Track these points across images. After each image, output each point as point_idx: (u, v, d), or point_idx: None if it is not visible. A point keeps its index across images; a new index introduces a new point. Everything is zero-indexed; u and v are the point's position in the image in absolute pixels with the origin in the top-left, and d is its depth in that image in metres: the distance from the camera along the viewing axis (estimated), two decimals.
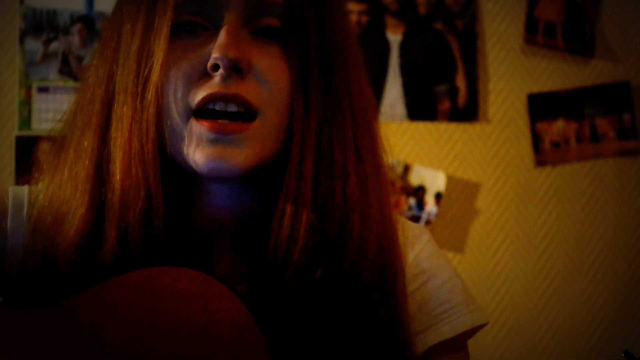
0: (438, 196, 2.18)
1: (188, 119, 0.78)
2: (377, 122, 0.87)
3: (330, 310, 0.78)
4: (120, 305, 0.73)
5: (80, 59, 2.13)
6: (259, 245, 0.79)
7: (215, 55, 0.76)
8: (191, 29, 0.79)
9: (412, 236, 0.90)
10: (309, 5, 0.80)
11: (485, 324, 0.90)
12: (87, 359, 0.72)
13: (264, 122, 0.78)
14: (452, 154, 2.23)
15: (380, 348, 0.79)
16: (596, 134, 2.27)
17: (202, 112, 0.77)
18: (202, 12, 0.79)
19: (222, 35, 0.76)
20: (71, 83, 2.11)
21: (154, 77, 0.77)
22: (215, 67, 0.76)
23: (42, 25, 2.13)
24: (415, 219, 2.15)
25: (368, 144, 0.83)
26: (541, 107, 2.26)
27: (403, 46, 2.24)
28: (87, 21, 2.14)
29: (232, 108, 0.77)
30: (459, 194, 2.22)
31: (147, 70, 0.77)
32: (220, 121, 0.77)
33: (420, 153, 2.21)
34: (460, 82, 2.24)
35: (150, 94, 0.77)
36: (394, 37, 2.24)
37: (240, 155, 0.77)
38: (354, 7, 2.21)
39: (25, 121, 2.10)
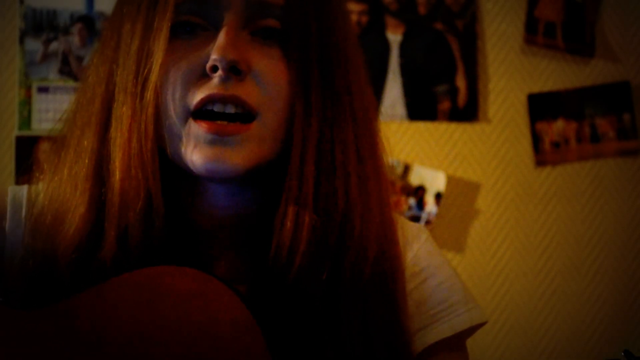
0: (438, 196, 2.18)
1: (186, 120, 0.78)
2: (377, 123, 0.87)
3: (331, 310, 0.78)
4: (121, 304, 0.73)
5: (80, 59, 2.13)
6: (259, 246, 0.79)
7: (214, 56, 0.76)
8: (191, 30, 0.79)
9: (411, 235, 0.90)
10: (309, 6, 0.80)
11: (484, 323, 0.90)
12: (87, 358, 0.72)
13: (262, 124, 0.78)
14: (452, 154, 2.23)
15: (380, 347, 0.79)
16: (596, 134, 2.27)
17: (200, 113, 0.77)
18: (202, 13, 0.79)
19: (221, 37, 0.76)
20: (71, 83, 2.11)
21: (153, 77, 0.77)
22: (214, 69, 0.76)
23: (42, 25, 2.13)
24: (415, 219, 2.15)
25: (368, 144, 0.83)
26: (541, 107, 2.26)
27: (403, 46, 2.24)
28: (87, 21, 2.14)
29: (231, 109, 0.77)
30: (459, 194, 2.22)
31: (146, 70, 0.77)
32: (218, 122, 0.77)
33: (420, 153, 2.21)
34: (460, 82, 2.24)
35: (149, 94, 0.77)
36: (394, 37, 2.24)
37: (238, 157, 0.77)
38: (354, 7, 2.21)
39: (25, 121, 2.10)
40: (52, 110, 2.10)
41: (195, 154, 0.77)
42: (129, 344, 0.72)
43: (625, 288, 2.25)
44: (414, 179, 2.19)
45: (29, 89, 2.11)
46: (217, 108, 0.77)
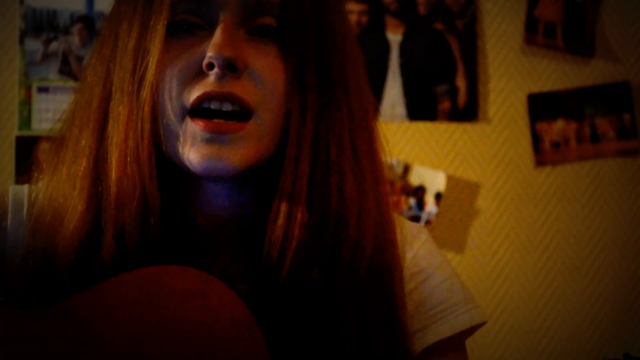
0: (438, 196, 2.18)
1: (183, 118, 0.78)
2: (376, 122, 0.87)
3: (328, 309, 0.78)
4: (120, 304, 0.73)
5: (80, 59, 2.13)
6: (257, 245, 0.79)
7: (210, 54, 0.76)
8: (187, 28, 0.79)
9: (410, 235, 0.90)
10: (306, 5, 0.80)
11: (484, 323, 0.89)
12: (87, 358, 0.72)
13: (259, 122, 0.78)
14: (452, 154, 2.23)
15: (379, 347, 0.79)
16: (596, 134, 2.27)
17: (197, 111, 0.77)
18: (198, 12, 0.79)
19: (218, 35, 0.76)
20: (71, 83, 2.11)
21: (150, 75, 0.77)
22: (210, 66, 0.76)
23: (42, 25, 2.13)
24: (415, 219, 2.15)
25: (366, 143, 0.83)
26: (541, 107, 2.26)
27: (403, 46, 2.24)
28: (87, 21, 2.14)
29: (227, 107, 0.77)
30: (459, 194, 2.22)
31: (142, 69, 0.77)
32: (215, 120, 0.77)
33: (420, 153, 2.21)
34: (460, 82, 2.24)
35: (146, 93, 0.77)
36: (394, 37, 2.24)
37: (236, 155, 0.77)
38: (354, 7, 2.21)
39: (25, 121, 2.10)
40: (52, 110, 2.10)
41: (193, 152, 0.77)
42: (128, 343, 0.72)
43: (625, 288, 2.25)
44: (414, 179, 2.18)
45: (29, 89, 2.11)
46: (213, 106, 0.77)
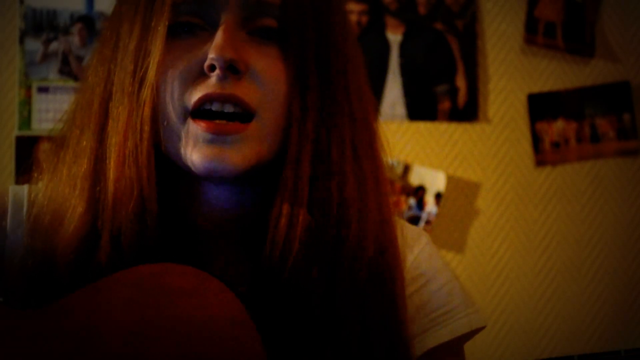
0: (438, 196, 2.18)
1: (185, 119, 0.78)
2: (377, 123, 0.87)
3: (329, 311, 0.78)
4: (118, 302, 0.73)
5: (80, 59, 2.13)
6: (257, 246, 0.79)
7: (211, 55, 0.76)
8: (189, 30, 0.79)
9: (411, 239, 0.90)
10: (307, 6, 0.80)
11: (483, 327, 0.90)
12: (86, 357, 0.72)
13: (261, 123, 0.78)
14: (452, 154, 2.23)
15: (379, 349, 0.79)
16: (596, 134, 2.27)
17: (198, 112, 0.77)
18: (199, 13, 0.79)
19: (219, 36, 0.76)
20: (71, 83, 2.11)
21: (150, 76, 0.77)
22: (212, 68, 0.76)
23: (42, 25, 2.13)
24: (415, 219, 2.15)
25: (366, 144, 0.83)
26: (541, 107, 2.26)
27: (403, 46, 2.24)
28: (87, 21, 2.14)
29: (229, 108, 0.77)
30: (459, 194, 2.22)
31: (143, 70, 0.77)
32: (217, 121, 0.77)
33: (420, 153, 2.21)
34: (460, 82, 2.24)
35: (146, 94, 0.77)
36: (394, 37, 2.24)
37: (238, 156, 0.77)
38: (354, 7, 2.21)
39: (25, 121, 2.10)
40: (52, 110, 2.10)
41: (195, 153, 0.77)
42: (126, 341, 0.72)
43: (625, 288, 2.25)
44: (414, 179, 2.19)
45: (29, 89, 2.11)
46: (215, 107, 0.77)
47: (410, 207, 2.17)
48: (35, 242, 0.79)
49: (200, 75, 0.77)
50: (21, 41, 2.12)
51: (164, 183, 0.78)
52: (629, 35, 2.29)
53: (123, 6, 0.82)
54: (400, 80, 2.22)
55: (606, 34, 2.29)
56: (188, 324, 0.72)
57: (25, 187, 0.86)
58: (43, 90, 2.11)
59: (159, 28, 0.77)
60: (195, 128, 0.77)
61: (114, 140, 0.78)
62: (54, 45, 2.13)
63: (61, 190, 0.80)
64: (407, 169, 2.18)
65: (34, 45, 2.12)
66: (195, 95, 0.77)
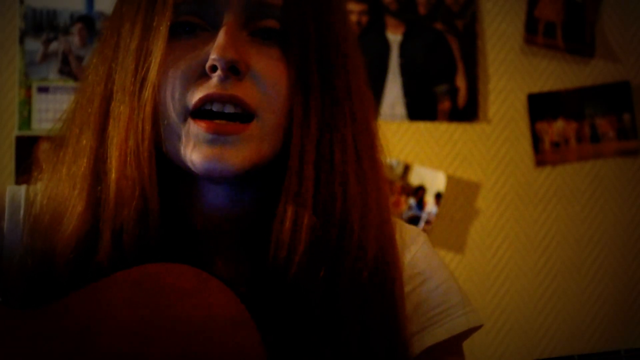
0: (438, 196, 2.18)
1: (185, 119, 0.78)
2: (376, 124, 0.87)
3: (329, 311, 0.78)
4: (118, 302, 0.73)
5: (80, 59, 2.13)
6: (257, 246, 0.79)
7: (213, 56, 0.76)
8: (190, 30, 0.79)
9: (409, 238, 0.90)
10: (308, 7, 0.80)
11: (480, 326, 0.90)
12: (85, 357, 0.72)
13: (261, 124, 0.78)
14: (452, 154, 2.23)
15: (378, 349, 0.79)
16: (596, 134, 2.27)
17: (199, 112, 0.77)
18: (201, 13, 0.79)
19: (221, 37, 0.76)
20: (71, 83, 2.11)
21: (152, 76, 0.77)
22: (214, 68, 0.76)
23: (42, 25, 2.13)
24: (415, 219, 2.15)
25: (367, 145, 0.83)
26: (541, 107, 2.26)
27: (403, 46, 2.24)
28: (87, 21, 2.14)
29: (229, 109, 0.77)
30: (459, 194, 2.22)
31: (144, 70, 0.77)
32: (217, 122, 0.77)
33: (420, 153, 2.21)
34: (460, 82, 2.24)
35: (147, 93, 0.77)
36: (394, 37, 2.24)
37: (238, 156, 0.77)
38: (354, 7, 2.21)
39: (25, 121, 2.10)
40: (52, 110, 2.10)
41: (195, 153, 0.77)
42: (126, 341, 0.72)
43: (625, 288, 2.25)
44: (414, 179, 2.19)
45: (29, 89, 2.11)
46: (215, 107, 0.77)
47: (410, 207, 2.17)
48: (35, 241, 0.79)
49: (201, 76, 0.77)
50: (21, 41, 2.12)
51: (164, 183, 0.78)
52: (629, 35, 2.29)
53: (124, 6, 0.82)
54: (400, 80, 2.22)
55: (606, 34, 2.29)
56: (188, 323, 0.72)
57: (23, 188, 0.86)
58: (43, 90, 2.11)
59: (161, 28, 0.77)
60: (196, 128, 0.77)
61: (115, 139, 0.78)
62: (54, 45, 2.13)
63: (60, 190, 0.80)
64: (407, 169, 2.18)
65: (34, 45, 2.12)
66: (196, 96, 0.77)
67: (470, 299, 0.91)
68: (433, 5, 2.25)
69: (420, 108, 2.23)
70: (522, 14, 2.26)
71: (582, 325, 2.22)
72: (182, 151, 0.78)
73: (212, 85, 0.77)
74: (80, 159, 0.80)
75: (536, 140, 2.25)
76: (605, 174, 2.26)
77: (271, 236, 0.78)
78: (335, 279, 0.78)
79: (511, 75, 2.26)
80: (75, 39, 2.14)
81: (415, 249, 0.90)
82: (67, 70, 2.13)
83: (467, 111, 2.24)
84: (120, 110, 0.78)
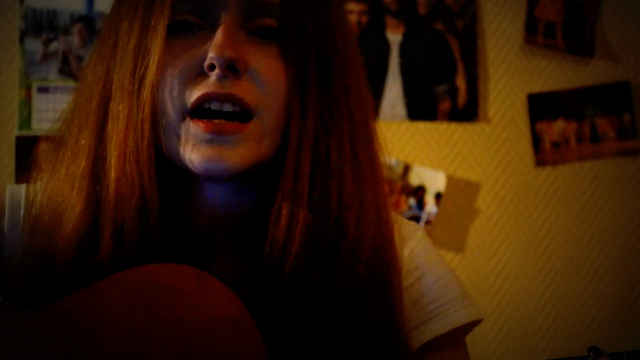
0: (438, 196, 2.18)
1: (184, 118, 0.78)
2: (375, 123, 0.87)
3: (327, 309, 0.78)
4: (118, 302, 0.73)
5: (80, 59, 2.13)
6: (256, 245, 0.79)
7: (211, 54, 0.76)
8: (188, 29, 0.79)
9: (407, 233, 0.90)
10: (307, 6, 0.80)
11: (480, 320, 0.89)
12: (85, 357, 0.72)
13: (260, 123, 0.78)
14: (452, 154, 2.23)
15: (376, 346, 0.79)
16: (596, 134, 2.27)
17: (197, 111, 0.77)
18: (199, 12, 0.79)
19: (219, 35, 0.76)
20: (71, 83, 2.11)
21: (150, 75, 0.77)
22: (212, 67, 0.76)
23: (42, 25, 2.13)
24: (415, 219, 2.15)
25: (365, 145, 0.83)
26: (541, 107, 2.26)
27: (403, 46, 2.24)
28: (87, 21, 2.14)
29: (228, 108, 0.77)
30: (459, 194, 2.22)
31: (143, 69, 0.77)
32: (216, 121, 0.77)
33: (420, 153, 2.21)
34: (460, 82, 2.24)
35: (146, 92, 0.77)
36: (394, 37, 2.24)
37: (237, 156, 0.77)
38: (354, 7, 2.21)
39: (25, 121, 2.10)
40: (52, 110, 2.10)
41: (194, 153, 0.77)
42: (126, 341, 0.72)
43: (625, 288, 2.25)
44: (414, 179, 2.19)
45: (29, 89, 2.11)
46: (214, 106, 0.77)
47: (410, 207, 2.17)
48: (35, 241, 0.79)
49: (200, 75, 0.77)
50: (21, 41, 2.12)
51: (163, 182, 0.78)
52: (629, 35, 2.29)
53: (122, 6, 0.82)
54: (400, 80, 2.22)
55: (606, 34, 2.28)
56: (188, 323, 0.72)
57: (23, 187, 0.86)
58: (43, 90, 2.11)
59: (159, 27, 0.77)
60: (195, 128, 0.77)
61: (114, 139, 0.78)
62: (54, 45, 2.13)
63: (60, 189, 0.80)
64: (407, 169, 2.18)
65: (34, 45, 2.12)
66: (195, 94, 0.77)
67: (469, 294, 0.91)
68: (433, 5, 2.25)
69: (420, 108, 2.23)
70: (522, 14, 2.26)
71: (582, 325, 2.22)
72: (181, 151, 0.78)
73: (210, 84, 0.77)
74: (79, 158, 0.80)
75: (536, 140, 2.25)
76: (605, 174, 2.26)
77: (267, 234, 0.78)
78: (332, 278, 0.78)
79: (511, 75, 2.26)
80: (75, 39, 2.14)
81: (413, 244, 0.90)
82: (67, 70, 2.13)
83: (467, 111, 2.24)
84: (119, 109, 0.78)
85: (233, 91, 0.77)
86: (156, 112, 0.78)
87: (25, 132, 2.09)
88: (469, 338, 0.91)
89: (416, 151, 2.21)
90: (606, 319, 2.23)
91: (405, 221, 0.92)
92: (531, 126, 2.25)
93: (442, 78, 2.24)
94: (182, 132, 0.78)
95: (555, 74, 2.27)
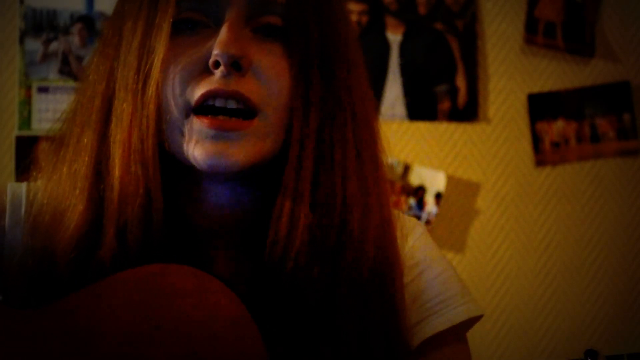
0: (438, 196, 2.18)
1: (187, 115, 0.78)
2: (377, 122, 0.87)
3: (328, 308, 0.78)
4: (119, 302, 0.73)
5: (80, 59, 2.13)
6: (258, 245, 0.79)
7: (216, 51, 0.76)
8: (192, 27, 0.79)
9: (407, 229, 0.90)
10: (310, 4, 0.80)
11: (481, 317, 0.89)
12: (86, 357, 0.72)
13: (264, 120, 0.78)
14: (452, 154, 2.23)
15: (377, 344, 0.79)
16: (596, 134, 2.27)
17: (201, 108, 0.77)
18: (203, 9, 0.79)
19: (223, 32, 0.77)
20: (71, 83, 2.11)
21: (155, 73, 0.77)
22: (217, 64, 0.76)
23: (42, 25, 2.13)
24: (415, 219, 2.15)
25: (368, 143, 0.83)
26: (541, 107, 2.26)
27: (403, 46, 2.24)
28: (87, 21, 2.14)
29: (232, 105, 0.77)
30: (459, 194, 2.22)
31: (147, 67, 0.77)
32: (220, 117, 0.77)
33: (420, 153, 2.21)
34: (460, 82, 2.24)
35: (151, 91, 0.77)
36: (394, 37, 2.24)
37: (241, 152, 0.77)
38: (354, 7, 2.21)
39: (25, 121, 2.10)
40: (52, 110, 2.10)
41: (197, 149, 0.77)
42: (127, 342, 0.72)
43: (625, 288, 2.25)
44: (414, 179, 2.18)
45: (29, 89, 2.11)
46: (218, 103, 0.77)
47: (410, 207, 2.17)
48: (35, 241, 0.79)
49: (203, 72, 0.77)
50: (21, 41, 2.12)
51: (165, 181, 0.78)
52: (629, 35, 2.29)
53: (126, 4, 0.82)
54: (400, 80, 2.22)
55: (606, 34, 2.28)
56: (189, 324, 0.72)
57: (24, 185, 0.86)
58: (43, 90, 2.11)
59: (163, 25, 0.77)
60: (199, 124, 0.77)
61: (118, 137, 0.78)
62: (54, 45, 2.13)
63: (61, 188, 0.80)
64: (407, 169, 2.18)
65: (34, 45, 2.12)
66: (199, 91, 0.77)
67: (470, 290, 0.91)
68: (433, 5, 2.25)
69: (420, 108, 2.23)
70: (522, 14, 2.26)
71: (582, 325, 2.22)
72: (185, 147, 0.78)
73: (214, 81, 0.77)
74: (81, 157, 0.79)
75: (536, 140, 2.25)
76: (605, 174, 2.26)
77: (268, 233, 0.78)
78: (334, 278, 0.78)
79: (511, 75, 2.26)
80: (75, 39, 2.14)
81: (413, 240, 0.90)
82: (67, 70, 2.13)
83: (467, 111, 2.24)
84: (122, 108, 0.78)
85: (237, 88, 0.77)
86: (160, 110, 0.78)
87: (25, 132, 2.09)
88: (469, 337, 0.91)
89: (416, 151, 2.21)
90: (606, 319, 2.23)
91: (403, 216, 0.92)
92: (531, 126, 2.25)
93: (442, 78, 2.24)
94: (186, 129, 0.78)
95: (555, 74, 2.27)
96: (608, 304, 2.23)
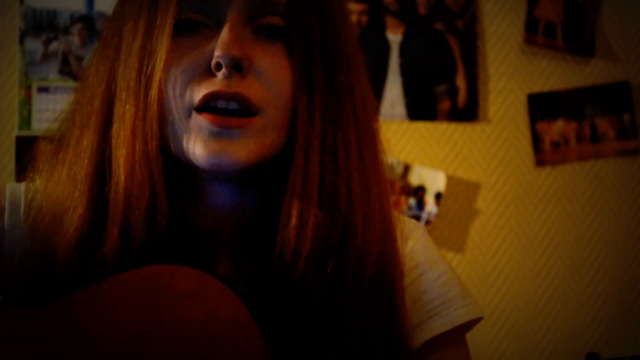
0: (438, 196, 2.18)
1: (189, 116, 0.78)
2: (378, 122, 0.87)
3: (330, 309, 0.78)
4: (119, 303, 0.73)
5: (80, 59, 2.13)
6: (259, 246, 0.79)
7: (217, 53, 0.76)
8: (193, 27, 0.79)
9: (407, 231, 0.90)
10: (311, 5, 0.80)
11: (481, 318, 0.89)
12: (86, 358, 0.72)
13: (265, 118, 0.78)
14: (452, 154, 2.23)
15: (378, 345, 0.79)
16: (596, 134, 2.27)
17: (203, 109, 0.77)
18: (204, 10, 0.79)
19: (225, 33, 0.76)
20: (71, 83, 2.11)
21: (157, 75, 0.77)
22: (219, 66, 0.76)
23: (42, 25, 2.13)
24: (415, 219, 2.15)
25: (369, 143, 0.84)
26: (541, 107, 2.26)
27: (403, 46, 2.24)
28: (87, 21, 2.14)
29: (234, 106, 0.77)
30: (459, 194, 2.22)
31: (149, 69, 0.77)
32: (222, 115, 0.77)
33: (420, 153, 2.21)
34: (460, 82, 2.24)
35: (154, 92, 0.77)
36: (394, 37, 2.24)
37: (242, 150, 0.77)
38: (354, 7, 2.21)
39: (25, 121, 2.10)
40: (52, 110, 2.10)
41: (199, 147, 0.77)
42: (127, 342, 0.72)
43: (625, 288, 2.25)
44: (414, 179, 2.18)
45: (29, 89, 2.11)
46: (220, 104, 0.77)
47: (410, 207, 2.17)
48: (35, 242, 0.79)
49: (205, 73, 0.77)
50: (21, 41, 2.12)
51: (168, 183, 0.78)
52: (629, 35, 2.29)
53: (126, 5, 0.81)
54: (400, 80, 2.22)
55: (606, 34, 2.28)
56: (190, 325, 0.72)
57: (23, 185, 0.85)
58: (43, 90, 2.11)
59: (165, 26, 0.77)
60: (201, 121, 0.77)
61: (120, 139, 0.77)
62: (54, 45, 2.13)
63: (61, 190, 0.80)
64: (407, 169, 2.18)
65: (34, 45, 2.12)
66: (201, 93, 0.77)
67: (470, 291, 0.91)
68: (433, 5, 2.24)
69: (420, 108, 2.23)
70: (522, 14, 2.26)
71: (582, 325, 2.22)
72: (186, 146, 0.78)
73: (216, 82, 0.76)
74: (81, 159, 0.79)
75: (536, 140, 2.25)
76: (605, 174, 2.26)
77: (277, 235, 0.78)
78: (338, 278, 0.78)
79: (511, 75, 2.26)
80: (75, 39, 2.14)
81: (413, 242, 0.90)
82: (67, 70, 2.13)
83: (467, 111, 2.24)
84: (124, 109, 0.78)
85: (239, 90, 0.76)
86: (162, 111, 0.78)
87: (25, 132, 2.09)
88: (469, 338, 0.91)
89: (416, 151, 2.21)
90: (606, 319, 2.23)
91: (403, 217, 0.92)
92: (531, 126, 2.25)
93: (442, 78, 2.24)
94: (188, 128, 0.77)
95: (555, 74, 2.27)
96: (608, 304, 2.23)
